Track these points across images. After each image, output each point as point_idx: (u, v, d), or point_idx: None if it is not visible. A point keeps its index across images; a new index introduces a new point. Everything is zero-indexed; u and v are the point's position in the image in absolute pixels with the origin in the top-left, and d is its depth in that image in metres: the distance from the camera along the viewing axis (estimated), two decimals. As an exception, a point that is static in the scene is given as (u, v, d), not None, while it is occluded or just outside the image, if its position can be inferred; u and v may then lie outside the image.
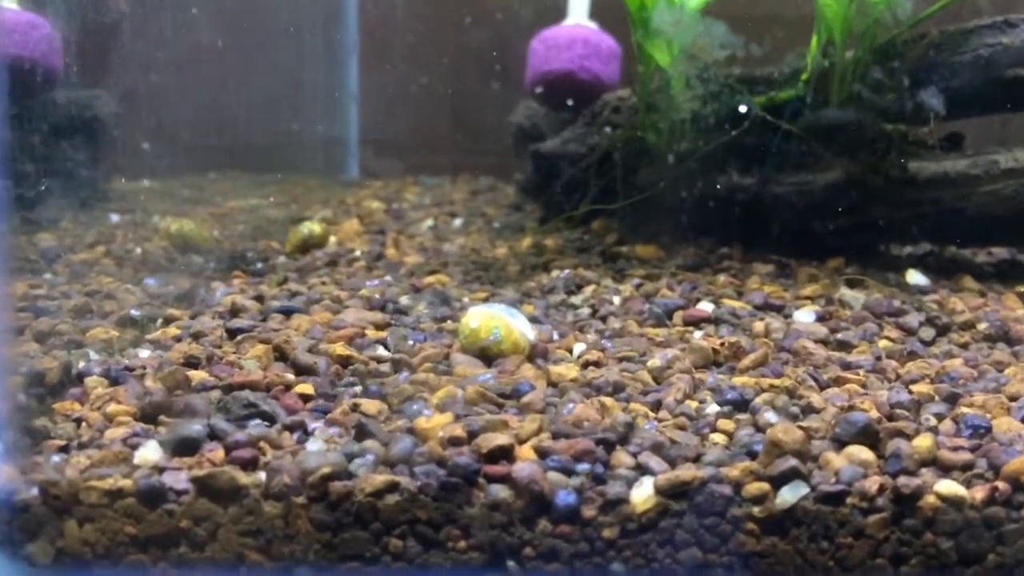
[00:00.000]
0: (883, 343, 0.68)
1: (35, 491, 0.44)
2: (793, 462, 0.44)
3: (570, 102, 1.10)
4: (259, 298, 0.77)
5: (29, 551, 0.44)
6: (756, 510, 0.44)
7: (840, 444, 0.48)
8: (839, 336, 0.68)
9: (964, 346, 0.68)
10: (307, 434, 0.48)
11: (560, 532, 0.44)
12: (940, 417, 0.53)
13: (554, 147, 1.05)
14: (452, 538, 0.44)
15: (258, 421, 0.49)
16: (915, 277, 0.82)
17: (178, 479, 0.44)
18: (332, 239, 1.02)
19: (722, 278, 0.84)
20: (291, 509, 0.44)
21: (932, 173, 0.83)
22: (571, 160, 1.02)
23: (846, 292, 0.78)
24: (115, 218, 1.13)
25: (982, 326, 0.71)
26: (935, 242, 0.85)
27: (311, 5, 1.39)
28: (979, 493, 0.44)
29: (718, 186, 0.90)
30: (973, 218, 0.83)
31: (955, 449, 0.47)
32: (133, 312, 0.70)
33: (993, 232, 0.82)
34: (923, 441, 0.47)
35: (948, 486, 0.45)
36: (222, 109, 1.15)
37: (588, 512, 0.44)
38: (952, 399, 0.55)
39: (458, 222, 1.16)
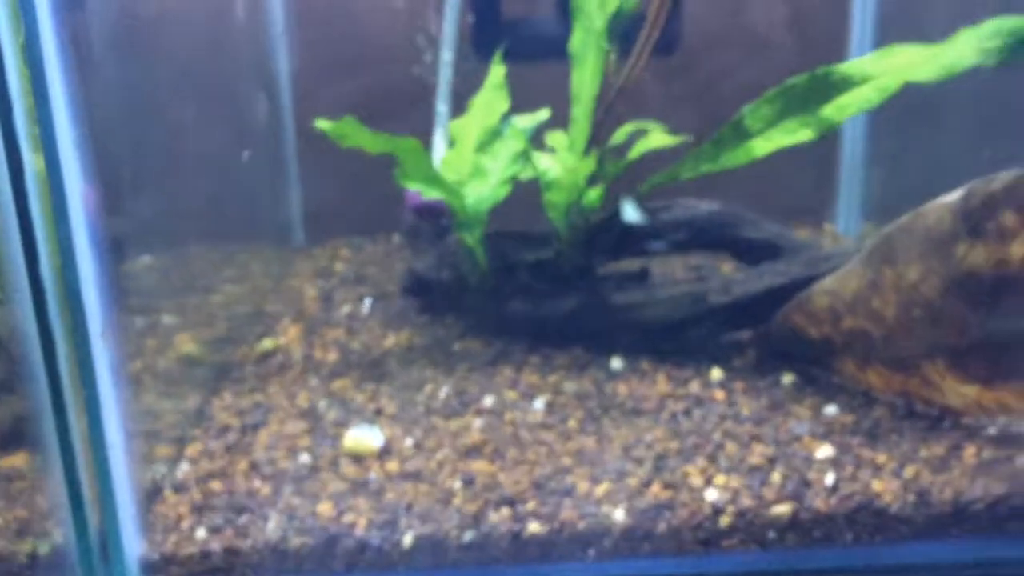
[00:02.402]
0: (570, 423, 1.31)
1: (157, 555, 1.08)
2: (470, 521, 1.09)
3: (435, 219, 1.71)
4: (239, 412, 1.39)
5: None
6: (456, 542, 1.08)
7: (497, 507, 1.11)
8: (548, 420, 1.32)
9: (613, 421, 1.32)
10: (267, 519, 1.12)
11: (369, 558, 1.08)
12: (559, 482, 1.16)
13: (417, 268, 1.66)
14: (330, 564, 1.08)
15: (246, 513, 1.13)
16: (615, 363, 1.46)
17: (216, 546, 1.08)
18: (282, 340, 1.64)
19: (507, 371, 1.46)
20: (262, 558, 1.08)
21: (621, 302, 1.46)
22: (429, 282, 1.63)
23: (567, 382, 1.41)
24: (139, 321, 1.73)
25: (628, 405, 1.34)
26: (630, 340, 1.48)
27: (250, 76, 1.77)
28: (545, 528, 1.09)
29: (510, 307, 1.53)
30: (648, 328, 1.45)
31: (544, 505, 1.11)
32: (175, 433, 1.32)
33: (657, 333, 1.45)
34: (531, 504, 1.11)
35: (533, 526, 1.09)
36: (196, 191, 1.43)
37: (385, 548, 1.08)
38: (569, 471, 1.18)
39: (366, 307, 1.77)
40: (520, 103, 1.58)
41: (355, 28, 1.96)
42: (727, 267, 1.76)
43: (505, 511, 1.12)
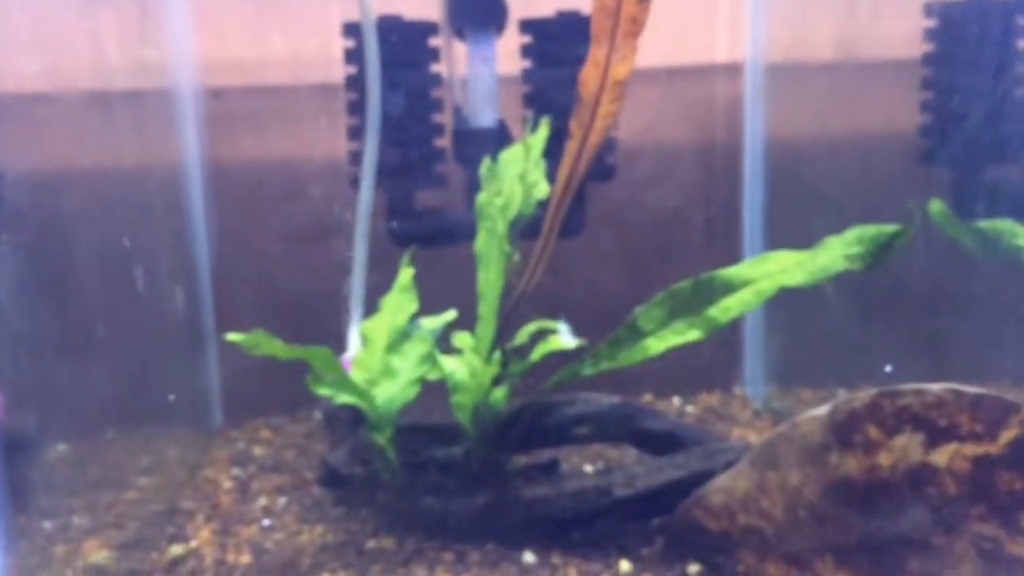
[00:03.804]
0: (482, 628, 1.31)
1: None
2: None
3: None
4: (147, 635, 1.35)
5: None
6: None
7: None
8: (461, 626, 1.31)
9: (527, 621, 1.32)
10: None
11: None
12: None
13: (333, 462, 1.67)
14: None
15: None
16: (527, 557, 1.47)
17: None
18: (194, 543, 1.61)
19: (420, 571, 1.46)
20: None
21: (531, 496, 1.49)
22: (342, 477, 1.64)
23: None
24: (47, 525, 1.67)
25: (540, 604, 1.35)
26: (542, 533, 1.49)
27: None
28: None
29: (423, 504, 1.54)
30: (555, 518, 1.48)
31: None
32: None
33: (566, 525, 1.47)
34: None
35: None
36: (110, 369, 1.37)
37: None
38: None
39: (282, 501, 1.76)
40: (431, 291, 1.63)
41: (273, 212, 2.01)
42: (630, 457, 1.81)
43: None
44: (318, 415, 2.15)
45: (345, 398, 1.49)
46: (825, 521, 1.17)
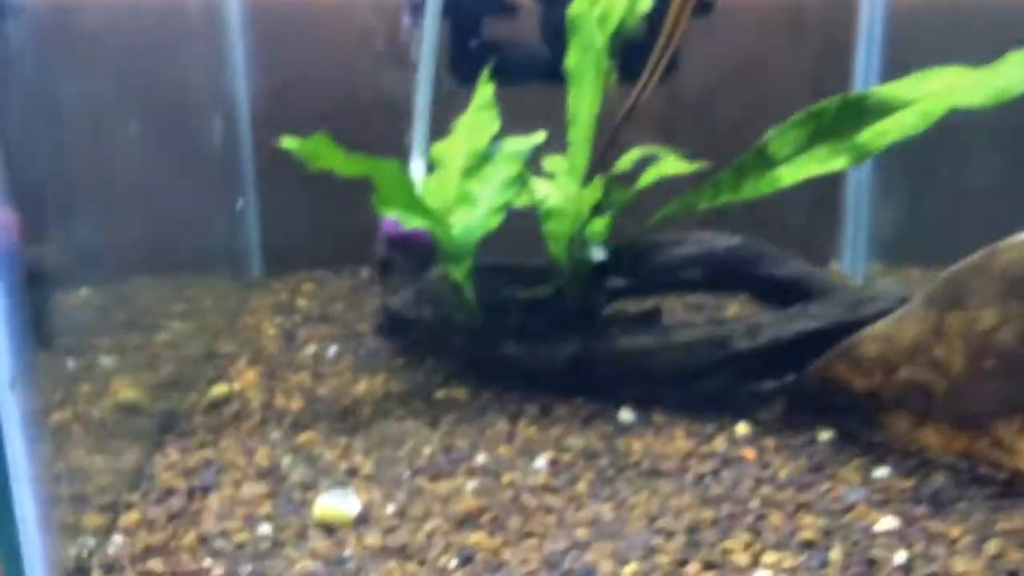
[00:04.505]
0: (580, 486, 1.11)
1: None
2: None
3: (413, 253, 1.51)
4: (185, 472, 1.16)
5: None
6: None
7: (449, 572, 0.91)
8: (554, 482, 1.11)
9: (629, 482, 1.12)
10: (220, 610, 0.90)
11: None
12: (575, 561, 0.96)
13: (393, 305, 1.45)
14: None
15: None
16: (624, 415, 1.26)
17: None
18: (237, 385, 1.41)
19: (501, 424, 1.26)
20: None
21: (630, 347, 1.27)
22: (406, 321, 1.43)
23: (571, 437, 1.21)
24: (71, 362, 1.49)
25: (645, 464, 1.15)
26: (641, 390, 1.28)
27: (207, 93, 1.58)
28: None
29: (502, 351, 1.33)
30: (658, 374, 1.26)
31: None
32: (107, 498, 1.09)
33: (671, 382, 1.26)
34: (545, 590, 0.91)
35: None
36: (140, 217, 1.27)
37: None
38: (586, 546, 0.98)
39: (333, 350, 1.55)
40: (505, 128, 1.40)
41: (321, 45, 1.79)
42: (736, 310, 1.60)
43: (514, 599, 0.91)
44: (366, 272, 1.93)
45: (416, 222, 1.26)
46: (1020, 372, 0.95)
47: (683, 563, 0.95)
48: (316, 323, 1.68)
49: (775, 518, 1.02)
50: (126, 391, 1.30)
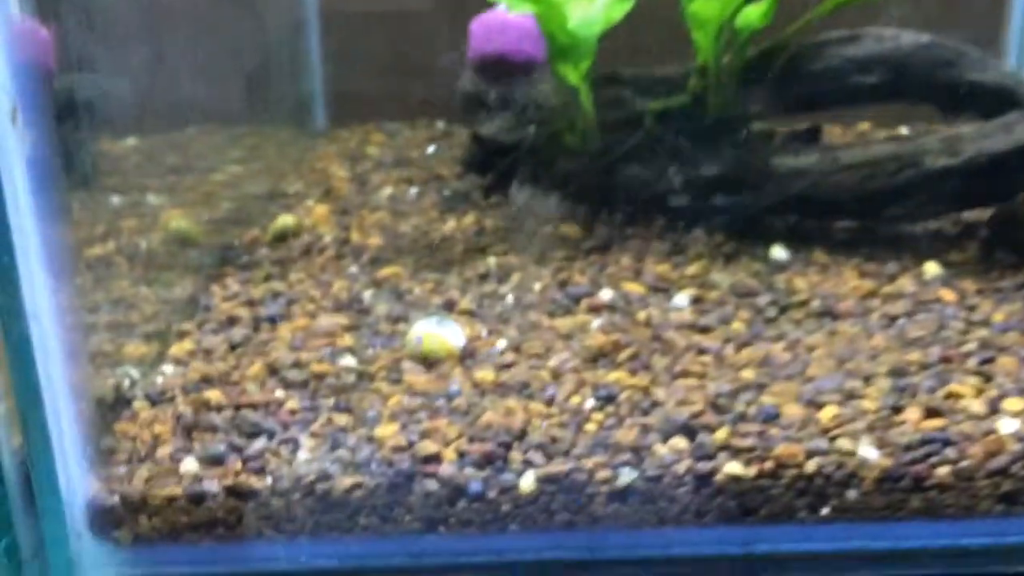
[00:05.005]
0: (735, 325, 0.88)
1: (117, 499, 0.65)
2: (627, 455, 0.66)
3: (507, 78, 1.26)
4: (250, 303, 0.96)
5: (115, 536, 0.65)
6: (603, 488, 0.65)
7: (666, 436, 0.69)
8: (702, 321, 0.89)
9: (798, 323, 0.89)
10: (297, 446, 0.69)
11: (473, 509, 0.65)
12: (749, 403, 0.74)
13: (488, 132, 1.22)
14: (399, 516, 0.65)
15: (263, 437, 0.70)
16: (777, 252, 1.02)
17: (213, 485, 0.65)
18: (307, 220, 1.20)
19: (625, 259, 1.03)
20: (290, 503, 0.65)
21: (788, 168, 1.02)
22: (503, 148, 1.19)
23: (716, 274, 0.98)
24: (115, 200, 1.29)
25: (815, 303, 0.91)
26: (795, 221, 1.04)
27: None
28: (752, 471, 0.66)
29: (625, 175, 1.09)
30: (822, 202, 1.02)
31: (744, 435, 0.69)
32: (155, 326, 0.89)
33: (838, 212, 1.01)
34: (721, 433, 0.68)
35: (732, 467, 0.66)
36: (194, 60, 1.17)
37: (491, 495, 0.65)
38: (760, 387, 0.76)
39: (414, 191, 1.33)
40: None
41: None
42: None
43: (679, 442, 0.69)
44: (441, 125, 1.69)
45: (524, 7, 1.02)
46: None
47: (897, 409, 0.72)
48: (390, 168, 1.46)
49: (1006, 362, 0.78)
50: (178, 221, 1.11)
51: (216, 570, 0.67)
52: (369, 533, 0.65)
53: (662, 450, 0.68)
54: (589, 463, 0.67)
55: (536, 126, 1.15)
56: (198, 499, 0.65)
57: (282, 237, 1.15)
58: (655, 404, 0.74)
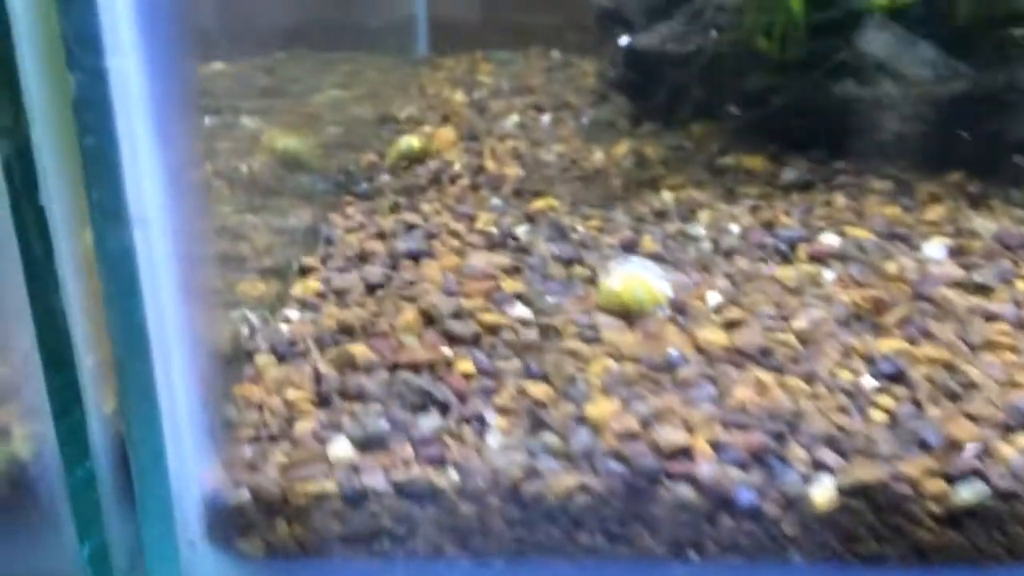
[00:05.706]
0: (1021, 284, 0.66)
1: (246, 494, 0.46)
2: (972, 460, 0.45)
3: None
4: (380, 235, 0.76)
5: (241, 547, 0.46)
6: (935, 507, 0.45)
7: (1008, 431, 0.48)
8: (975, 277, 0.67)
9: (1100, 283, 0.67)
10: (484, 424, 0.50)
11: (742, 528, 0.45)
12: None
13: (650, 45, 0.99)
14: (638, 534, 0.46)
15: (433, 410, 0.50)
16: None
17: (377, 480, 0.46)
18: (433, 145, 1.00)
19: (839, 199, 0.81)
20: (486, 509, 0.45)
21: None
22: (671, 61, 0.97)
23: (975, 219, 0.76)
24: (208, 120, 1.11)
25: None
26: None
27: None
28: None
29: (832, 94, 0.86)
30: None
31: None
32: (271, 260, 0.70)
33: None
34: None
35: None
36: None
37: (769, 509, 0.45)
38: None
39: (546, 119, 1.12)
40: None
41: None
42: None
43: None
44: (557, 54, 1.48)
45: None
46: None
47: None
48: (510, 96, 1.25)
49: None
50: (284, 140, 0.92)
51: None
52: (591, 556, 0.46)
53: (1007, 451, 0.47)
54: (908, 468, 0.46)
55: (717, 30, 0.93)
56: (357, 499, 0.46)
57: (406, 163, 0.95)
58: (971, 385, 0.53)
